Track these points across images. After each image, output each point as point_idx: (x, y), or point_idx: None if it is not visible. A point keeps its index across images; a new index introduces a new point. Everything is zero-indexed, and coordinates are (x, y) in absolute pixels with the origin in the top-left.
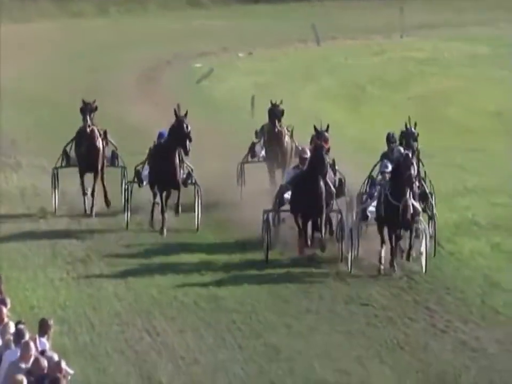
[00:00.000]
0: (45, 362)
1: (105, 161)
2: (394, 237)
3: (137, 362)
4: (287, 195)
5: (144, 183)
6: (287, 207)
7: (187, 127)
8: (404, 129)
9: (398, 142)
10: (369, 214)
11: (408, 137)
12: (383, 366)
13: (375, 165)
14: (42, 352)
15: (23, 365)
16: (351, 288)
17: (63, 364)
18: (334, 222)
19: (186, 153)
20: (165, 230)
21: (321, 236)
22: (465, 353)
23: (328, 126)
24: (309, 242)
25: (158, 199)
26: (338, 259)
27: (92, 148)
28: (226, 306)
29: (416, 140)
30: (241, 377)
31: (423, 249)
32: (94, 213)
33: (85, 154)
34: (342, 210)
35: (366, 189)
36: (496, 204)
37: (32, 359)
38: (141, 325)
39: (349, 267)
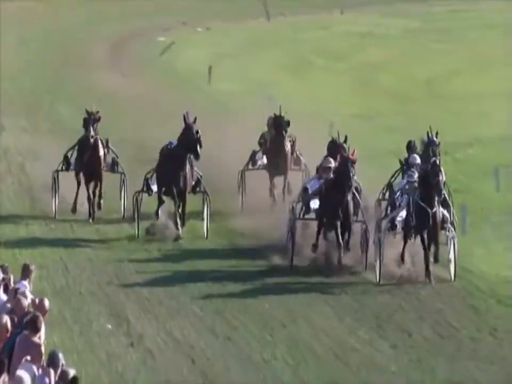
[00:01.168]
0: (25, 302)
1: (105, 167)
2: (427, 243)
3: (108, 303)
4: (313, 204)
5: (154, 191)
6: (312, 215)
7: (197, 132)
8: (426, 138)
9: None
10: (397, 224)
11: (431, 145)
12: (327, 306)
13: (396, 172)
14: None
15: (8, 305)
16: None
17: (46, 303)
18: (358, 232)
19: (197, 158)
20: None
21: (340, 247)
22: (400, 296)
23: (346, 138)
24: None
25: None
26: (363, 268)
27: (94, 157)
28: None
29: (437, 147)
30: (200, 316)
31: (451, 256)
32: (94, 219)
33: (88, 163)
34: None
35: (383, 196)
36: None
37: (14, 300)
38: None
39: (377, 276)
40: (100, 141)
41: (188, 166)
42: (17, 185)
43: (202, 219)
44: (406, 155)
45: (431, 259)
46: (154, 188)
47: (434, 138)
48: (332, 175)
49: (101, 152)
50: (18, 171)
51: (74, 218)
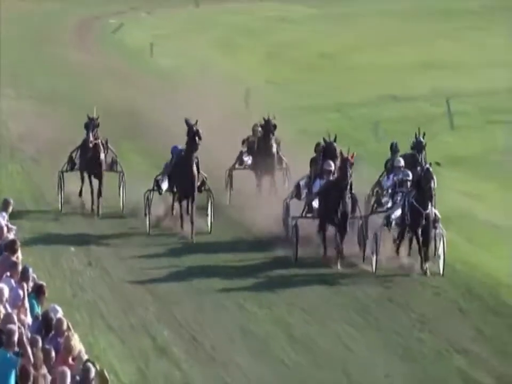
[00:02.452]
0: (4, 230)
1: (105, 167)
2: (421, 240)
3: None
4: (315, 203)
5: (163, 190)
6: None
7: (197, 128)
8: (414, 139)
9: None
10: (392, 221)
11: (418, 146)
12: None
13: (382, 173)
14: None
15: None
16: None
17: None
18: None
19: (196, 148)
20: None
21: (341, 242)
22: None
23: (336, 137)
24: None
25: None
26: (361, 260)
27: (95, 157)
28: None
29: (424, 149)
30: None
31: (440, 251)
32: (100, 213)
33: (90, 163)
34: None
35: (373, 192)
36: (329, 119)
37: None
38: None
39: (374, 268)
40: (100, 145)
41: (195, 167)
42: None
43: (207, 215)
44: (390, 156)
45: (422, 255)
46: (164, 186)
47: (421, 139)
48: (331, 178)
49: (102, 156)
50: (1, 127)
51: (81, 212)
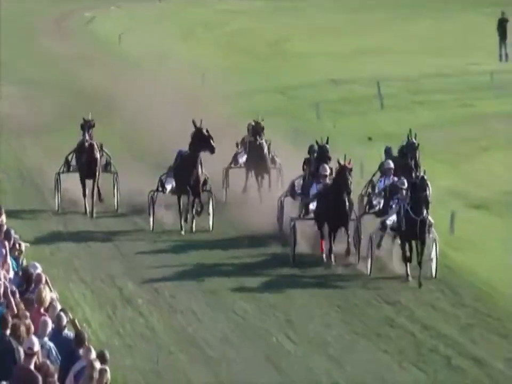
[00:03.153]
0: None
1: (100, 169)
2: (419, 246)
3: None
4: (312, 206)
5: (168, 190)
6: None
7: (207, 131)
8: (405, 142)
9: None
10: (388, 225)
11: (410, 148)
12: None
13: (374, 174)
14: None
15: None
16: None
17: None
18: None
19: (213, 151)
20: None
21: (348, 243)
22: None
23: (328, 139)
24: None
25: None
26: (356, 261)
27: (91, 159)
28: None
29: (416, 149)
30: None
31: (433, 255)
32: (94, 214)
33: (85, 164)
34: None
35: (366, 192)
36: (276, 100)
37: None
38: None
39: (369, 269)
40: (95, 145)
41: (199, 167)
42: None
43: (208, 213)
44: (383, 159)
45: (415, 261)
46: (168, 187)
47: (414, 141)
48: (328, 181)
49: (97, 155)
50: None
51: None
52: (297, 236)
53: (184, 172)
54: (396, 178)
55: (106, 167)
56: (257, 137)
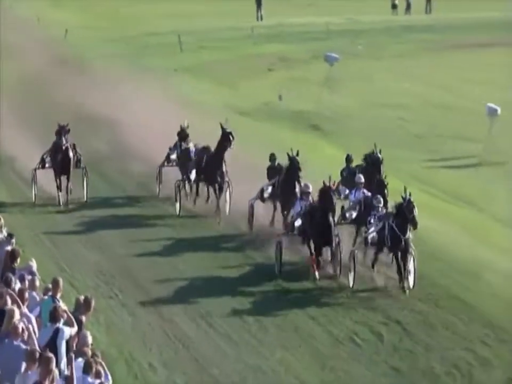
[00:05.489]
0: None
1: (72, 167)
2: (401, 261)
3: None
4: (297, 223)
5: (192, 180)
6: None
7: (230, 131)
8: (369, 153)
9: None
10: (369, 241)
11: (375, 161)
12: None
13: (340, 180)
14: None
15: None
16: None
17: None
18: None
19: (230, 146)
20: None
21: (332, 260)
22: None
23: (298, 152)
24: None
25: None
26: (337, 275)
27: (66, 159)
28: None
29: (381, 163)
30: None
31: (411, 268)
32: (68, 205)
33: (60, 163)
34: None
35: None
36: (126, 43)
37: None
38: None
39: (351, 282)
40: (69, 148)
41: (224, 163)
42: None
43: (225, 201)
44: (344, 165)
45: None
46: (192, 177)
47: (379, 155)
48: (311, 199)
49: (71, 156)
50: None
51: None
52: (283, 252)
53: (212, 166)
54: (365, 191)
55: (77, 163)
56: (183, 142)
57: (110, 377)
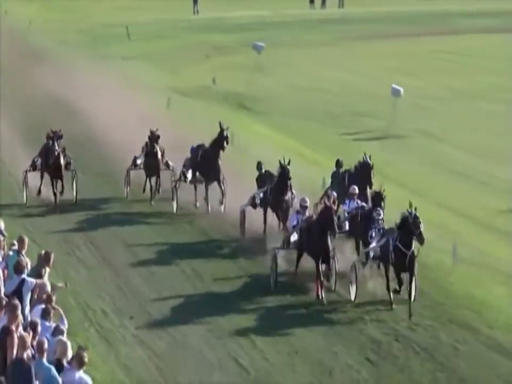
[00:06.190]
0: None
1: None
2: (407, 278)
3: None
4: (293, 238)
5: (188, 179)
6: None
7: (226, 133)
8: (361, 160)
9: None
10: (370, 255)
11: (365, 168)
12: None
13: (330, 186)
14: None
15: None
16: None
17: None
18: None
19: (223, 149)
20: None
21: (329, 276)
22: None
23: (289, 161)
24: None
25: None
26: (332, 288)
27: (57, 162)
28: None
29: (372, 169)
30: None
31: (412, 283)
32: (58, 203)
33: (52, 167)
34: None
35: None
36: (89, 32)
37: None
38: None
39: (352, 296)
40: (61, 152)
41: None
42: None
43: (221, 193)
44: (334, 169)
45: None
46: (189, 176)
47: (369, 161)
48: (307, 213)
49: (62, 161)
50: None
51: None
52: (278, 265)
53: (208, 165)
54: (359, 201)
55: (67, 166)
56: (154, 145)
57: (66, 321)
